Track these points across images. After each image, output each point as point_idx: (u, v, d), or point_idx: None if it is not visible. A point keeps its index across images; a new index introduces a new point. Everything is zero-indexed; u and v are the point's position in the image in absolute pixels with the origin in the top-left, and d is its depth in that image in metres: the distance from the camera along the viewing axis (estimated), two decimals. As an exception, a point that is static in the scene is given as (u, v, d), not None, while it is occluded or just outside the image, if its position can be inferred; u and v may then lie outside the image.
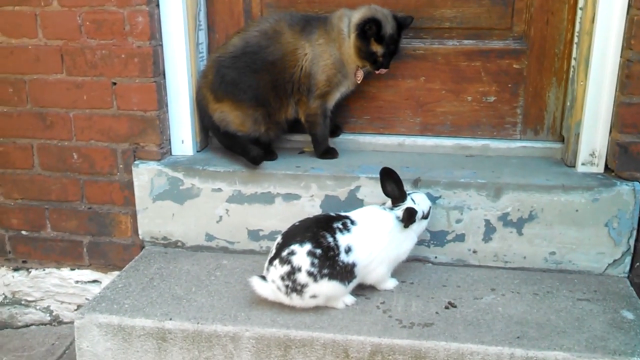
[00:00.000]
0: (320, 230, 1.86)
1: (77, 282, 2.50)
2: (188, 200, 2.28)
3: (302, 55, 2.21)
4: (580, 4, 2.12)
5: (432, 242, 2.17)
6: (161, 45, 2.25)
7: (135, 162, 2.29)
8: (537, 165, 2.25)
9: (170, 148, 2.37)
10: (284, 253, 1.85)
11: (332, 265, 1.83)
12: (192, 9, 2.29)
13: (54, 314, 2.57)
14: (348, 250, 1.86)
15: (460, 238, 2.16)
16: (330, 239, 1.85)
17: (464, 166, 2.25)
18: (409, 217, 1.92)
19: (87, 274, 2.48)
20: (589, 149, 2.14)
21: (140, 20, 2.17)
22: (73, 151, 2.34)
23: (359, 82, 2.28)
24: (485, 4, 2.25)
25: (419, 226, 2.00)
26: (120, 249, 2.42)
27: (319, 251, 1.83)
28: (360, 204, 2.16)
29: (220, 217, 2.27)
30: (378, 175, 2.01)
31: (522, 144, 2.34)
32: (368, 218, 1.95)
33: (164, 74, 2.28)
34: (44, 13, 2.22)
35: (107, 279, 2.45)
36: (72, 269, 2.49)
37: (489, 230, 2.13)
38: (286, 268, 1.83)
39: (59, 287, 2.51)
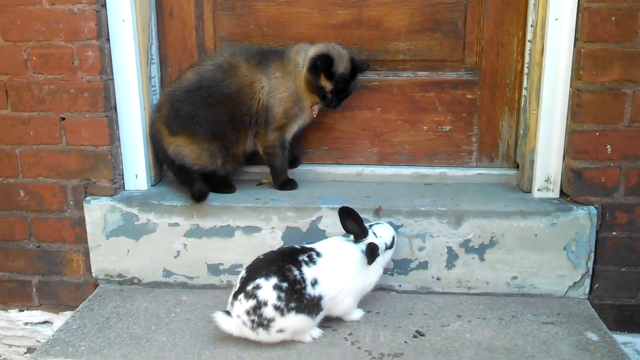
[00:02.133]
0: (286, 264, 1.82)
1: (26, 324, 2.36)
2: (144, 236, 2.19)
3: (259, 89, 2.19)
4: (529, 37, 2.19)
5: (396, 270, 2.16)
6: (112, 80, 2.19)
7: (87, 199, 2.20)
8: (494, 192, 2.28)
9: (124, 183, 2.29)
10: (250, 287, 1.79)
11: (299, 299, 1.79)
12: (144, 43, 2.25)
13: (1, 358, 2.41)
14: (315, 283, 1.83)
15: (424, 266, 2.15)
16: (297, 272, 1.81)
17: (424, 195, 2.26)
18: (371, 254, 1.90)
19: (38, 315, 2.35)
20: (544, 175, 2.19)
21: (90, 55, 2.10)
22: (20, 188, 2.23)
23: (314, 116, 2.28)
24: (437, 37, 2.29)
25: (384, 258, 1.99)
26: (73, 288, 2.30)
27: (285, 285, 1.78)
28: (322, 235, 2.13)
29: (179, 252, 2.20)
30: (339, 206, 2.00)
31: (479, 171, 2.38)
32: (334, 250, 1.92)
33: (116, 109, 2.21)
34: (-13, 48, 2.13)
35: (59, 320, 2.32)
36: (21, 310, 2.35)
37: (452, 257, 2.14)
38: (252, 303, 1.78)
39: (7, 330, 2.37)
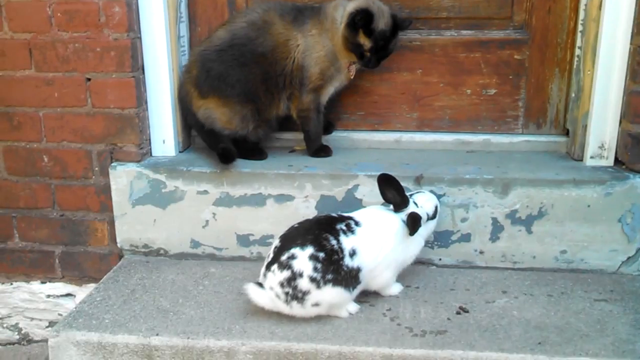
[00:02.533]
0: (322, 232, 1.71)
1: (48, 296, 2.29)
2: (171, 204, 2.10)
3: (294, 47, 2.06)
4: (585, -10, 2.02)
5: (436, 243, 2.03)
6: (140, 38, 2.08)
7: (113, 164, 2.11)
8: (542, 160, 2.14)
9: (151, 149, 2.19)
10: (284, 257, 1.68)
11: (336, 270, 1.68)
12: (174, -1, 2.13)
13: (23, 332, 2.35)
14: (353, 253, 1.71)
15: (466, 238, 2.03)
16: (334, 242, 1.70)
17: (467, 162, 2.12)
18: (413, 224, 1.78)
19: (60, 287, 2.27)
20: (597, 141, 2.04)
21: (117, 11, 1.99)
22: (43, 153, 2.14)
23: (351, 77, 2.14)
24: (484, -9, 2.14)
25: (425, 228, 1.87)
26: (97, 259, 2.22)
27: (322, 255, 1.67)
28: (358, 204, 2.02)
29: (207, 221, 2.10)
30: (377, 173, 1.89)
31: (525, 138, 2.23)
32: (373, 219, 1.81)
33: (143, 69, 2.11)
34: (10, 4, 2.03)
35: (82, 292, 2.25)
36: (43, 282, 2.28)
37: (497, 229, 2.01)
38: (286, 274, 1.67)
39: (29, 303, 2.30)
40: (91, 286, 2.21)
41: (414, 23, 2.14)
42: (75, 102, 2.08)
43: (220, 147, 2.05)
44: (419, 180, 2.00)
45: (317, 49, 2.06)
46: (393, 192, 1.81)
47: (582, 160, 2.10)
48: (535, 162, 2.11)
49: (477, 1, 2.14)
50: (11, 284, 2.29)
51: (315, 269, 1.66)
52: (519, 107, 2.22)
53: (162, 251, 2.15)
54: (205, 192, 2.07)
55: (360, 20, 1.97)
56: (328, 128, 2.28)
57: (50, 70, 2.06)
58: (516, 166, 2.07)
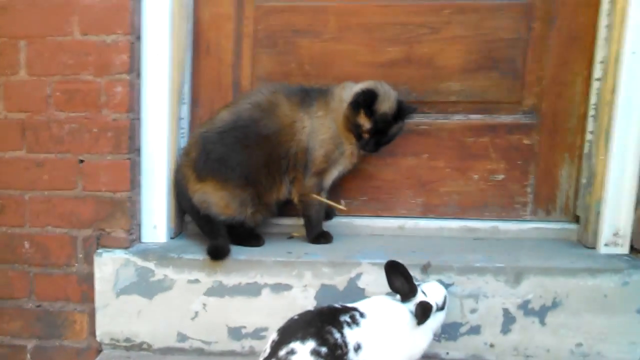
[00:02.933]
0: (325, 325, 1.57)
1: (17, 397, 2.09)
2: (159, 294, 1.96)
3: (300, 129, 2.00)
4: (597, 74, 2.00)
5: (443, 335, 1.88)
6: (139, 119, 2.02)
7: (99, 251, 1.98)
8: (553, 248, 2.03)
9: (140, 234, 2.08)
10: (282, 352, 1.53)
11: (339, 366, 1.53)
12: (177, 80, 2.09)
13: None
14: (357, 348, 1.56)
15: (476, 330, 1.88)
16: (337, 335, 1.55)
17: (475, 249, 2.01)
18: (423, 314, 1.65)
19: (30, 387, 2.09)
20: (612, 228, 1.95)
21: (119, 91, 1.94)
22: (25, 239, 2.02)
23: (355, 161, 2.07)
24: (493, 76, 2.11)
25: (434, 320, 1.72)
26: (73, 354, 2.05)
27: (324, 350, 1.52)
28: (361, 294, 1.88)
29: (196, 312, 1.95)
30: (381, 261, 1.79)
31: (534, 225, 2.14)
32: (379, 310, 1.67)
33: (139, 151, 2.03)
34: (9, 83, 1.98)
35: (54, 392, 2.06)
36: (13, 381, 2.09)
37: (508, 321, 1.87)
38: (284, 371, 1.51)
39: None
40: (66, 385, 2.03)
41: (421, 107, 2.10)
42: (65, 185, 1.99)
43: (211, 244, 1.94)
44: (426, 269, 1.87)
45: (322, 131, 2.00)
46: (401, 280, 1.68)
47: (595, 248, 1.99)
48: (546, 250, 2.00)
49: (487, 85, 2.11)
50: (-21, 381, 2.10)
51: (316, 364, 1.51)
52: (527, 193, 2.14)
53: (145, 345, 1.98)
54: (197, 281, 1.94)
55: (363, 100, 1.93)
56: (329, 214, 2.18)
57: (42, 151, 1.99)
58: (527, 254, 1.96)
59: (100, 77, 1.95)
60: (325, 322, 1.58)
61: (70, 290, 2.02)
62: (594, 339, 1.85)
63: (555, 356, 1.87)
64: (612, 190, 1.93)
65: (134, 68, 1.96)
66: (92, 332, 2.00)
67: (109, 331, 1.98)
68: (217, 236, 1.97)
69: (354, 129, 1.96)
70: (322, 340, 1.53)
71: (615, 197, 1.93)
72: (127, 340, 1.98)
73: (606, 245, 1.96)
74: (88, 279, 2.00)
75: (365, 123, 1.94)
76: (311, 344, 1.52)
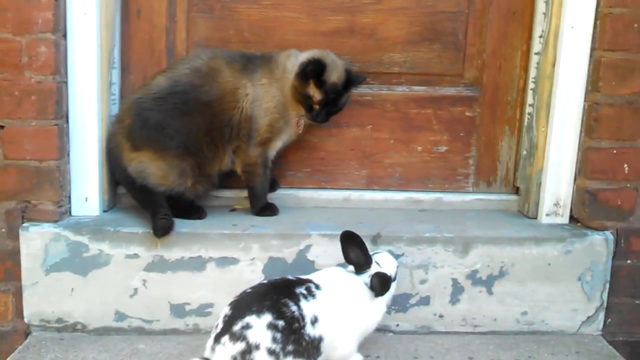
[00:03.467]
0: (280, 297, 1.50)
1: None
2: (94, 271, 1.82)
3: (242, 96, 1.91)
4: (536, 48, 2.04)
5: (393, 307, 1.87)
6: (66, 83, 1.85)
7: (24, 225, 1.81)
8: (497, 218, 2.07)
9: (70, 207, 1.92)
10: (236, 327, 1.45)
11: (297, 340, 1.47)
12: (106, 43, 1.93)
13: None
14: (314, 320, 1.51)
15: (425, 301, 1.89)
16: (294, 308, 1.50)
17: (422, 220, 2.01)
18: (383, 285, 1.63)
19: (-55, 378, 1.89)
20: (553, 198, 2.00)
21: (42, 51, 1.76)
22: (-62, 213, 1.82)
23: (300, 132, 2.00)
24: (436, 48, 2.10)
25: (388, 293, 1.70)
26: (-3, 339, 1.87)
27: (281, 323, 1.46)
28: (311, 267, 1.83)
29: (136, 289, 1.83)
30: (331, 232, 1.78)
31: (477, 196, 2.16)
32: (334, 282, 1.63)
33: (67, 118, 1.86)
34: None
35: (-26, 381, 1.87)
36: None
37: (457, 291, 1.88)
38: (240, 346, 1.43)
39: None
40: (-14, 373, 1.85)
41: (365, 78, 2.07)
42: (-16, 153, 1.80)
43: (158, 224, 1.81)
44: (376, 240, 1.85)
45: (266, 100, 1.91)
46: (357, 251, 1.65)
47: (536, 218, 2.05)
48: (490, 221, 2.04)
49: (430, 57, 2.10)
50: None
51: (274, 339, 1.44)
52: (469, 164, 2.17)
53: (79, 326, 1.84)
54: (136, 255, 1.82)
55: (312, 70, 1.86)
56: (272, 186, 2.10)
57: (-45, 116, 1.78)
58: (473, 224, 1.98)
59: (21, 35, 1.76)
60: (280, 295, 1.52)
61: (-8, 267, 1.84)
62: (538, 307, 1.90)
63: (502, 325, 1.91)
64: (553, 161, 1.97)
65: (58, 27, 1.79)
66: (19, 314, 1.84)
67: (38, 311, 1.83)
68: (157, 208, 1.84)
69: (304, 101, 1.89)
70: (278, 313, 1.47)
71: (556, 168, 1.97)
72: (59, 320, 1.83)
73: (547, 215, 2.01)
74: (13, 256, 1.82)
75: (315, 94, 1.88)
76: (267, 318, 1.46)
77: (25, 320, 1.84)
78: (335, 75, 1.88)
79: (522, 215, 2.11)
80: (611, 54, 1.84)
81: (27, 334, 1.86)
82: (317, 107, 1.90)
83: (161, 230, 1.79)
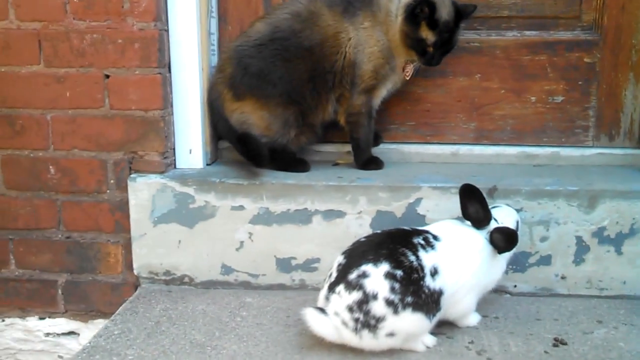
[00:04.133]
0: (398, 246, 1.42)
1: (47, 334, 1.93)
2: (200, 223, 1.79)
3: (345, 40, 1.82)
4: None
5: (510, 267, 1.74)
6: (167, 31, 1.82)
7: (132, 176, 1.81)
8: (623, 173, 1.89)
9: (175, 159, 1.90)
10: (352, 276, 1.38)
11: (416, 292, 1.38)
12: (205, -10, 1.89)
13: (14, 378, 1.98)
14: (434, 272, 1.42)
15: (546, 260, 1.75)
16: (413, 258, 1.41)
17: (540, 175, 1.87)
18: (508, 241, 1.51)
19: (62, 324, 1.92)
20: (686, 149, 1.81)
21: (144, -3, 1.73)
22: (49, 163, 1.83)
23: (407, 78, 1.90)
24: (549, -12, 1.94)
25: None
26: (107, 290, 1.89)
27: (399, 273, 1.38)
28: (422, 221, 1.74)
29: (242, 242, 1.79)
30: (443, 185, 1.66)
31: (598, 150, 1.99)
32: (453, 234, 1.52)
33: (169, 67, 1.83)
34: (17, -12, 1.76)
35: (88, 330, 1.90)
36: (42, 318, 1.92)
37: (581, 250, 1.74)
38: (356, 295, 1.36)
39: (23, 343, 1.94)
40: (99, 323, 1.88)
41: (471, 22, 1.93)
42: (91, 103, 1.79)
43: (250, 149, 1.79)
44: (492, 193, 1.73)
45: (370, 44, 1.81)
46: (476, 206, 1.53)
47: (667, 172, 1.87)
48: (616, 175, 1.86)
49: (542, -2, 1.94)
50: (2, 320, 1.93)
51: (392, 289, 1.36)
52: (589, 116, 1.99)
53: (186, 279, 1.83)
54: (241, 207, 1.78)
55: (421, 11, 1.74)
56: (375, 139, 2.00)
57: (62, 66, 1.78)
58: (599, 178, 1.82)
59: (121, -20, 1.74)
60: (397, 244, 1.43)
61: (102, 219, 1.85)
62: (674, 268, 1.73)
63: (632, 289, 1.74)
64: (688, 108, 1.78)
65: (158, -27, 1.75)
66: (129, 266, 1.84)
67: (147, 264, 1.82)
68: (261, 158, 1.79)
69: (416, 45, 1.78)
70: (396, 262, 1.39)
71: (691, 116, 1.79)
72: (167, 273, 1.82)
73: (682, 170, 1.83)
74: (121, 207, 1.83)
75: (428, 36, 1.76)
76: (385, 267, 1.38)
77: (135, 272, 1.84)
78: (445, 11, 1.76)
79: (649, 171, 1.93)
80: None
81: (136, 286, 1.86)
82: (431, 49, 1.79)
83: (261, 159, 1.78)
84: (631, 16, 1.92)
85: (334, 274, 1.43)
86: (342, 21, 1.82)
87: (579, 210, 1.72)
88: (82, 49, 1.77)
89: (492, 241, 1.52)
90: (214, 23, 1.97)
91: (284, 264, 1.80)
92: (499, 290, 1.76)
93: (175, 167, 1.90)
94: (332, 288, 1.41)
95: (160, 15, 1.76)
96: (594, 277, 1.75)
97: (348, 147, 1.97)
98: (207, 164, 1.96)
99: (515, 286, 1.77)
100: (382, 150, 2.03)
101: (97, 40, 1.76)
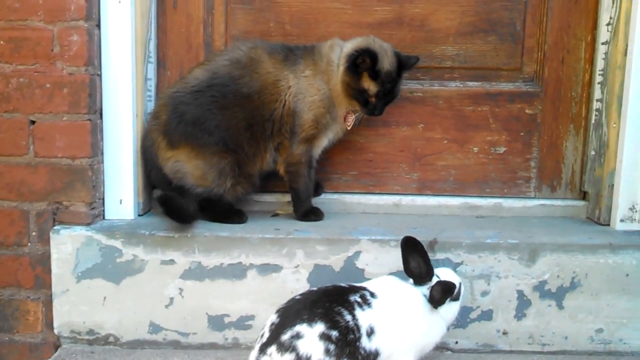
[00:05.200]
0: (334, 305, 1.36)
1: (-42, 400, 1.78)
2: (127, 278, 1.69)
3: (285, 88, 1.78)
4: (603, 38, 1.86)
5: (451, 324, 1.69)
6: (99, 76, 1.75)
7: (55, 228, 1.70)
8: (565, 225, 1.88)
9: (104, 210, 1.80)
10: (285, 337, 1.31)
11: (352, 353, 1.32)
12: (142, 35, 1.83)
13: None
14: (371, 332, 1.36)
15: (487, 316, 1.70)
16: (349, 317, 1.35)
17: (481, 227, 1.84)
18: (444, 293, 1.46)
19: (-25, 388, 1.77)
20: (628, 202, 1.81)
21: (75, 40, 1.67)
22: (-35, 215, 1.71)
23: (349, 128, 1.86)
24: (491, 40, 1.95)
25: (449, 310, 1.52)
26: (25, 351, 1.76)
27: (335, 333, 1.31)
28: (360, 275, 1.67)
29: (172, 299, 1.70)
30: (382, 237, 1.61)
31: (540, 202, 1.98)
32: (390, 291, 1.47)
33: (101, 113, 1.76)
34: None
35: (2, 396, 1.75)
36: (-47, 382, 1.77)
37: (523, 304, 1.70)
38: (288, 358, 1.29)
39: None
40: (15, 387, 1.73)
41: (414, 72, 1.93)
42: (14, 150, 1.70)
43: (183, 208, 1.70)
44: (432, 246, 1.68)
45: (311, 93, 1.78)
46: (418, 260, 1.48)
47: (609, 224, 1.85)
48: (557, 227, 1.85)
49: (485, 50, 1.95)
50: None
51: (327, 351, 1.29)
52: (530, 167, 1.99)
53: (111, 338, 1.71)
54: (172, 261, 1.69)
55: (363, 62, 1.72)
56: (317, 189, 1.96)
57: (-16, 111, 1.69)
58: (540, 231, 1.80)
59: (52, 23, 1.67)
60: (333, 302, 1.37)
61: (22, 274, 1.73)
62: (615, 323, 1.70)
63: (574, 344, 1.71)
64: (628, 160, 1.79)
65: (92, 15, 1.69)
66: (49, 324, 1.72)
67: (68, 322, 1.70)
68: (185, 215, 1.71)
69: (358, 95, 1.76)
70: (332, 322, 1.32)
71: (631, 168, 1.79)
72: (91, 332, 1.71)
73: (622, 221, 1.82)
74: (43, 261, 1.71)
75: (370, 87, 1.74)
76: (320, 327, 1.31)
77: (55, 331, 1.72)
78: (387, 62, 1.75)
79: (591, 222, 1.92)
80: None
81: (57, 346, 1.74)
82: (373, 100, 1.77)
83: (180, 217, 1.69)
84: (570, 69, 1.95)
85: (266, 334, 1.35)
86: (283, 69, 1.79)
87: (519, 264, 1.69)
88: (7, 93, 1.68)
89: (431, 295, 1.46)
90: (151, 68, 1.91)
91: (216, 322, 1.70)
92: (439, 347, 1.69)
93: (104, 218, 1.80)
94: (263, 349, 1.33)
95: (92, 59, 1.70)
96: (535, 333, 1.71)
97: (288, 197, 1.91)
98: (139, 215, 1.87)
99: (456, 342, 1.72)
100: (323, 200, 1.98)
101: (24, 84, 1.68)
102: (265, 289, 1.69)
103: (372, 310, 1.38)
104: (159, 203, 1.72)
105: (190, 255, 1.69)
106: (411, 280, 1.51)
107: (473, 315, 1.70)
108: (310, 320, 1.31)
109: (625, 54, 1.78)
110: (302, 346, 1.29)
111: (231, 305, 1.70)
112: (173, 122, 1.76)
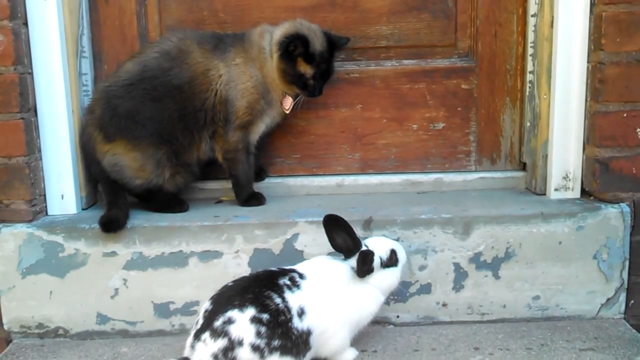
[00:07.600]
0: (263, 290, 1.39)
1: None
2: (71, 272, 1.72)
3: (215, 77, 1.79)
4: (533, 10, 1.88)
5: (392, 298, 1.73)
6: (31, 74, 1.75)
7: (-4, 226, 1.72)
8: (502, 197, 1.91)
9: (46, 206, 1.82)
10: (218, 323, 1.34)
11: (284, 334, 1.36)
12: (72, 30, 1.83)
13: None
14: (301, 312, 1.40)
15: (426, 289, 1.75)
16: (279, 300, 1.38)
17: (420, 203, 1.87)
18: (363, 262, 1.49)
19: None
20: (561, 171, 1.84)
21: (1, 40, 1.67)
22: None
23: (287, 111, 1.88)
24: (424, 18, 1.96)
25: (382, 279, 1.55)
26: (-24, 349, 1.78)
27: (266, 316, 1.35)
28: (299, 257, 1.71)
29: (116, 290, 1.73)
30: (319, 219, 1.62)
31: (480, 175, 2.02)
32: (318, 270, 1.51)
33: (36, 110, 1.77)
34: None
35: (-43, 392, 1.78)
36: None
37: (460, 276, 1.74)
38: (221, 343, 1.33)
39: None
40: (-31, 382, 1.76)
41: (350, 53, 1.96)
42: (-54, 152, 1.71)
43: (103, 215, 1.72)
44: (368, 224, 1.72)
45: (243, 80, 1.80)
46: (343, 235, 1.51)
47: (545, 194, 1.89)
48: (494, 199, 1.88)
49: (418, 27, 1.96)
50: None
51: (258, 334, 1.33)
52: (470, 141, 2.02)
53: (61, 331, 1.75)
54: (114, 253, 1.71)
55: (296, 48, 1.74)
56: (260, 174, 1.99)
57: None
58: (475, 204, 1.83)
59: (-24, 24, 1.67)
60: (263, 287, 1.41)
61: (-37, 274, 1.74)
62: (551, 290, 1.75)
63: (513, 312, 1.76)
64: (559, 130, 1.81)
65: (17, 14, 1.70)
66: (-1, 321, 1.75)
67: (17, 317, 1.74)
68: (115, 203, 1.75)
69: (297, 80, 1.79)
70: (262, 306, 1.36)
71: (563, 137, 1.82)
72: (40, 326, 1.74)
73: (556, 190, 1.85)
74: (-15, 260, 1.73)
75: (307, 70, 1.77)
76: (251, 311, 1.35)
77: (5, 327, 1.75)
78: (318, 43, 1.78)
79: (529, 192, 1.96)
80: (613, 8, 1.68)
81: (8, 341, 1.76)
82: (311, 82, 1.79)
83: (105, 226, 1.68)
84: (504, 42, 1.97)
85: (200, 321, 1.39)
86: (212, 58, 1.80)
87: (454, 237, 1.72)
88: (-64, 95, 1.69)
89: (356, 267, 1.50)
90: (85, 63, 1.92)
91: (162, 309, 1.74)
92: (381, 321, 1.75)
93: (46, 214, 1.82)
94: (197, 336, 1.37)
95: (21, 58, 1.70)
96: (474, 303, 1.75)
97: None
98: (84, 209, 1.89)
99: (398, 317, 1.76)
100: (267, 185, 2.01)
101: (-48, 86, 1.68)
102: (207, 275, 1.72)
103: (301, 292, 1.42)
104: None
105: (131, 246, 1.71)
106: (343, 257, 1.55)
107: (412, 289, 1.74)
108: (241, 306, 1.35)
109: (552, 26, 1.80)
110: (234, 330, 1.32)
111: (175, 293, 1.74)
112: (107, 116, 1.77)
